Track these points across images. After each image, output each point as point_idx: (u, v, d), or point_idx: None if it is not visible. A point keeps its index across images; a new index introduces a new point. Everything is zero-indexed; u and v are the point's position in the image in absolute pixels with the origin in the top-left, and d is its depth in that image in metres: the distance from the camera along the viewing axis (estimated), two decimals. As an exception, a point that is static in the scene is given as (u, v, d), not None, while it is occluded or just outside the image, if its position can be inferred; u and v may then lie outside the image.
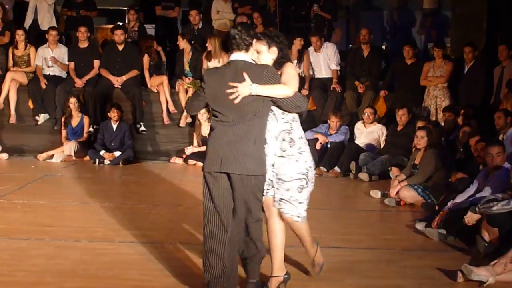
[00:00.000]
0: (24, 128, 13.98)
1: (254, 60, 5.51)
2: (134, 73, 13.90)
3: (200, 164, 12.69)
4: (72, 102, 13.38)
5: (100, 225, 8.54)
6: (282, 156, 5.53)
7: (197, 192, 10.77)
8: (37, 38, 14.65)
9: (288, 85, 5.34)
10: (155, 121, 14.11)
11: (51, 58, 13.97)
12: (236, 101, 5.23)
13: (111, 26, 14.74)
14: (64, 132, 13.53)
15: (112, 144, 13.01)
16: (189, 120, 13.77)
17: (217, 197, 5.54)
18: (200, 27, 14.99)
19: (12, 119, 13.86)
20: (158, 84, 14.00)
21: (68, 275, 6.48)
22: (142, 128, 13.69)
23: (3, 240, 7.72)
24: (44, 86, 13.90)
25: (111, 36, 14.49)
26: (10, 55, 14.14)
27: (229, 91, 5.23)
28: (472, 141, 9.94)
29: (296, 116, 5.57)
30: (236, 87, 5.19)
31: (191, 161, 12.98)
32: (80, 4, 15.27)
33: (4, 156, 13.38)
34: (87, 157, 13.16)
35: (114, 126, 13.04)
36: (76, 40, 14.26)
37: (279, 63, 5.58)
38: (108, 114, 13.14)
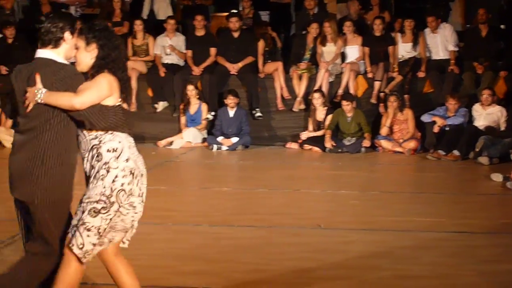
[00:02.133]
0: (144, 116, 14.23)
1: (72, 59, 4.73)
2: (249, 59, 13.93)
3: (316, 149, 12.73)
4: (190, 89, 13.53)
5: (219, 209, 8.58)
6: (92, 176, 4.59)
7: (313, 176, 10.86)
8: (154, 27, 14.86)
9: (78, 94, 4.45)
10: (270, 106, 14.09)
11: (169, 47, 14.21)
12: (28, 110, 4.50)
13: (226, 14, 14.80)
14: (182, 119, 13.69)
15: (230, 130, 13.11)
16: (303, 106, 13.70)
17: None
18: (315, 12, 14.78)
19: (133, 107, 14.17)
20: (273, 70, 13.95)
21: (187, 258, 6.51)
22: (258, 114, 13.75)
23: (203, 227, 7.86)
24: (163, 75, 14.15)
25: (226, 24, 14.53)
26: (130, 45, 14.40)
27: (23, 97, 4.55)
28: None
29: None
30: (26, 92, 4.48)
31: (306, 146, 12.95)
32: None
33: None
34: (205, 143, 13.31)
35: (231, 113, 13.15)
36: (192, 28, 14.38)
37: (97, 66, 4.60)
38: (225, 100, 13.25)
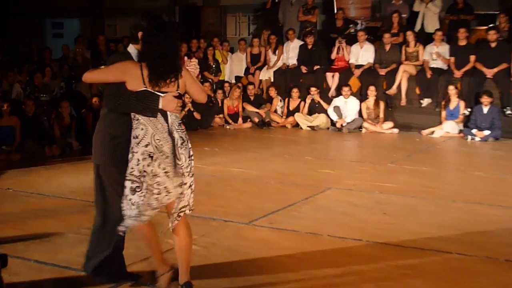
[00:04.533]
0: (411, 109, 14.27)
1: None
2: (504, 65, 13.41)
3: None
4: (451, 89, 13.33)
5: (473, 190, 8.36)
6: None
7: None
8: (424, 38, 14.71)
9: (87, 74, 4.68)
10: None
11: (435, 53, 14.08)
12: None
13: (485, 27, 14.37)
14: (443, 113, 13.53)
15: (483, 124, 12.76)
16: None
17: None
18: None
19: (403, 101, 14.23)
20: None
21: (447, 229, 6.40)
22: (509, 111, 13.31)
23: (395, 196, 7.87)
24: (429, 76, 14.01)
25: (484, 36, 14.04)
26: (403, 52, 14.45)
27: None
28: None
29: (137, 115, 4.31)
30: None
31: None
32: (461, 10, 15.04)
33: (395, 130, 13.75)
34: (461, 134, 13.05)
35: (485, 109, 12.82)
36: (456, 39, 14.07)
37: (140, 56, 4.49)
38: (480, 99, 12.95)
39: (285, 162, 10.28)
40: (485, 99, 12.87)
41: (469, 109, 13.29)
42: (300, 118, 14.30)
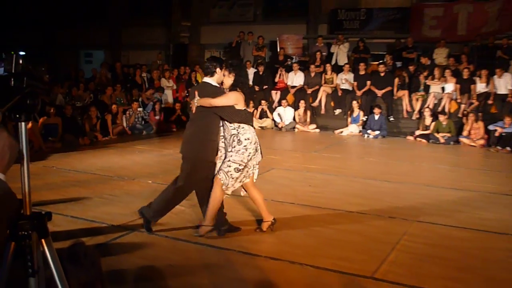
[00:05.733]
0: (328, 116, 14.19)
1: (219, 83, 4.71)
2: (389, 88, 13.48)
3: (424, 141, 12.21)
4: (354, 103, 13.36)
5: (368, 170, 8.43)
6: (231, 150, 4.62)
7: (423, 155, 10.49)
8: (337, 69, 14.69)
9: (215, 100, 4.49)
10: (399, 115, 13.54)
11: (344, 79, 14.06)
12: (193, 111, 4.64)
13: (377, 62, 14.49)
14: (349, 119, 13.52)
15: (375, 127, 12.78)
16: (418, 116, 13.02)
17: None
18: (428, 63, 13.89)
19: (323, 111, 14.24)
20: (402, 95, 13.43)
21: (352, 196, 6.46)
22: (392, 118, 13.37)
23: (317, 174, 7.88)
24: (340, 94, 14.02)
25: (376, 68, 13.98)
26: (323, 78, 14.38)
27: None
28: None
29: (242, 125, 4.59)
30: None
31: (418, 139, 12.32)
32: (362, 51, 15.11)
33: (318, 130, 13.73)
34: (361, 133, 13.08)
35: (376, 117, 12.88)
36: (358, 70, 14.05)
37: (233, 86, 4.70)
38: (373, 110, 12.97)
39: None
40: (376, 110, 12.97)
41: (366, 117, 13.35)
42: (254, 121, 14.23)
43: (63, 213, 5.38)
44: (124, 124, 12.53)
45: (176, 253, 4.37)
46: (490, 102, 12.63)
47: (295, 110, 14.05)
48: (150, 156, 9.25)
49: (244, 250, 4.41)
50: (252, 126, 4.69)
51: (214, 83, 4.68)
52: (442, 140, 11.94)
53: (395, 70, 14.19)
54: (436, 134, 12.09)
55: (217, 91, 4.63)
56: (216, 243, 4.57)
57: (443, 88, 13.13)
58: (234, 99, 4.60)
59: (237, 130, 4.61)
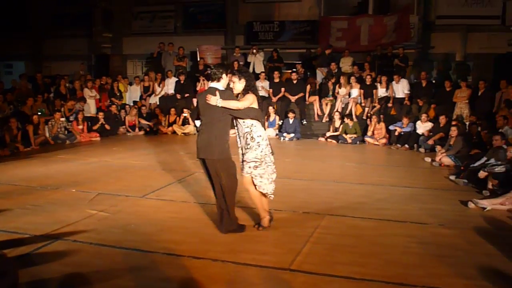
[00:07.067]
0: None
1: (226, 87, 4.85)
2: (301, 94, 13.79)
3: (333, 141, 12.62)
4: (270, 109, 13.48)
5: (284, 170, 8.53)
6: (246, 147, 4.77)
7: (332, 154, 10.79)
8: (254, 77, 14.86)
9: (240, 103, 4.62)
10: (311, 118, 13.88)
11: (260, 87, 14.03)
12: (210, 102, 4.63)
13: (290, 71, 14.73)
14: (266, 123, 13.51)
15: (290, 130, 13.03)
16: (327, 119, 13.42)
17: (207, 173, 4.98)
18: (335, 71, 14.27)
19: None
20: (313, 100, 13.77)
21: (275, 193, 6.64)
22: (304, 122, 13.67)
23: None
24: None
25: (289, 76, 14.22)
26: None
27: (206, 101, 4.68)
28: (483, 132, 9.50)
29: (255, 122, 4.74)
30: (209, 99, 4.63)
31: (328, 140, 12.70)
32: (276, 60, 15.31)
33: (235, 134, 13.77)
34: (277, 136, 13.20)
35: (291, 121, 13.14)
36: (273, 78, 14.20)
37: (245, 90, 4.80)
38: (288, 114, 13.22)
39: (168, 156, 10.12)
40: (290, 115, 13.22)
41: (281, 121, 13.57)
42: (177, 128, 14.10)
43: (-18, 225, 5.04)
44: (47, 134, 11.95)
45: (101, 258, 4.23)
46: (390, 105, 13.32)
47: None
48: (74, 165, 8.88)
49: (168, 252, 4.36)
50: (263, 123, 4.89)
51: (221, 88, 4.78)
52: (349, 141, 12.45)
53: (306, 78, 14.58)
54: (344, 135, 12.60)
55: (231, 94, 4.76)
56: (141, 246, 4.49)
57: (349, 93, 13.70)
58: (252, 100, 4.75)
59: (250, 128, 4.75)
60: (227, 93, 4.73)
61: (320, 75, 14.78)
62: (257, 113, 4.81)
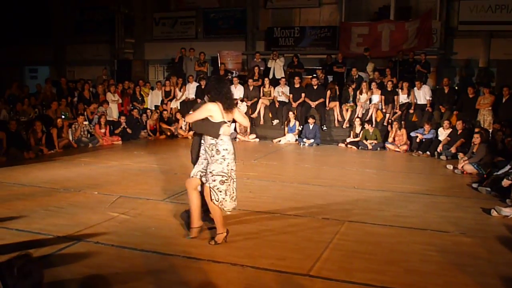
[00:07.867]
0: (267, 126, 14.26)
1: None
2: (321, 100, 13.77)
3: (354, 147, 12.56)
4: (290, 114, 13.46)
5: (303, 175, 8.49)
6: (211, 160, 4.59)
7: (352, 161, 10.71)
8: (274, 82, 14.82)
9: (187, 116, 4.71)
10: (331, 124, 13.85)
11: (281, 92, 14.22)
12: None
13: (310, 76, 14.78)
14: (286, 129, 13.65)
15: (309, 135, 13.01)
16: (348, 125, 13.39)
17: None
18: (356, 77, 14.26)
19: (261, 121, 14.27)
20: (333, 106, 13.73)
21: (287, 200, 6.51)
22: (324, 127, 13.67)
23: (256, 180, 7.88)
24: (277, 106, 14.13)
25: (310, 82, 14.19)
26: (261, 91, 14.46)
27: None
28: (507, 140, 9.35)
29: (221, 136, 4.55)
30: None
31: (349, 146, 12.65)
32: (296, 66, 15.34)
33: (257, 140, 13.81)
34: (297, 142, 13.23)
35: (311, 126, 13.10)
36: (293, 83, 14.23)
37: (209, 99, 4.59)
38: (308, 120, 13.21)
39: (188, 160, 10.13)
40: (310, 120, 13.19)
41: (301, 126, 13.54)
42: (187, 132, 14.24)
43: (7, 226, 5.16)
44: (70, 138, 12.15)
45: (122, 260, 4.29)
46: (411, 111, 13.20)
47: (235, 122, 14.07)
48: (95, 168, 9.01)
49: (187, 255, 4.40)
50: (217, 138, 4.54)
51: (205, 99, 4.72)
52: (370, 147, 12.38)
53: (327, 84, 14.57)
54: (364, 141, 12.53)
55: (196, 106, 4.74)
56: (161, 249, 4.54)
57: (370, 99, 13.63)
58: (206, 111, 4.53)
59: (215, 140, 4.56)
60: (198, 105, 4.75)
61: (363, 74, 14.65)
62: (208, 127, 4.54)
